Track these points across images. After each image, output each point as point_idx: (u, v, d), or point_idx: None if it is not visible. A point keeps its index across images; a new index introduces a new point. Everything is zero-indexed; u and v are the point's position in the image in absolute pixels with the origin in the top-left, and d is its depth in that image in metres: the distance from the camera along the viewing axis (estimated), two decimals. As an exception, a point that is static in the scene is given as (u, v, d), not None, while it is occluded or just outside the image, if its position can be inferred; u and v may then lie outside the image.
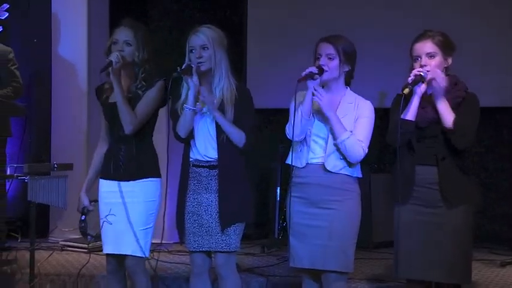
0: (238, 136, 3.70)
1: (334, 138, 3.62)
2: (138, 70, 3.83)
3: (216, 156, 3.74)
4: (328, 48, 3.67)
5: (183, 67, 3.67)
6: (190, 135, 3.78)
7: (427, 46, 3.62)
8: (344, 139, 3.60)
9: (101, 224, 3.86)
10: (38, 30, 6.54)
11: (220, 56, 3.73)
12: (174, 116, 3.79)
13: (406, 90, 3.54)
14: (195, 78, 3.68)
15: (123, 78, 3.83)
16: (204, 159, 3.77)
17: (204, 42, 3.71)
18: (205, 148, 3.76)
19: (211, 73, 3.74)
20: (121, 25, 3.83)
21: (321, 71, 3.62)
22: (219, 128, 3.72)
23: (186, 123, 3.73)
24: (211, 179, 3.76)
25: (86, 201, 3.95)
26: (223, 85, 3.73)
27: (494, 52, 6.19)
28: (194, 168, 3.79)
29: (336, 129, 3.62)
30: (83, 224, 4.01)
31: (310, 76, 3.58)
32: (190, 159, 3.80)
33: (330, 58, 3.67)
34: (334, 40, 3.69)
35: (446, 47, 3.64)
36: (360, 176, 3.75)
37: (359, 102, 3.72)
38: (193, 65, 3.68)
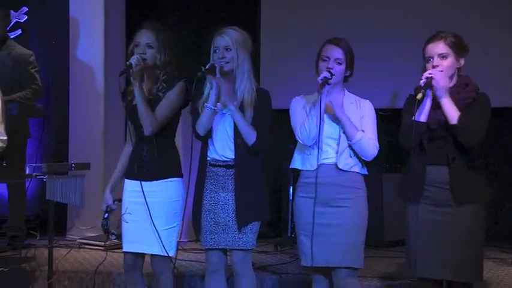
0: (249, 133, 3.70)
1: (349, 139, 3.66)
2: (159, 73, 3.83)
3: (233, 157, 3.75)
4: (337, 53, 3.70)
5: (207, 67, 3.68)
6: (209, 134, 3.78)
7: (439, 47, 3.60)
8: (359, 139, 3.64)
9: (122, 223, 3.89)
10: (56, 32, 6.58)
11: (243, 58, 3.73)
12: (195, 114, 3.80)
13: (420, 96, 3.54)
14: (218, 77, 3.69)
15: (145, 81, 3.85)
16: (221, 159, 3.78)
17: (228, 43, 3.71)
18: (222, 148, 3.77)
19: (233, 74, 3.74)
20: (143, 28, 3.83)
21: (332, 74, 3.65)
22: (237, 129, 3.72)
23: (206, 122, 3.74)
24: (227, 178, 3.77)
25: (110, 200, 3.97)
26: (244, 87, 3.74)
27: (496, 53, 6.09)
28: (211, 167, 3.80)
29: (349, 130, 3.66)
30: (105, 222, 4.02)
31: (326, 81, 3.61)
32: (208, 159, 3.81)
33: (339, 63, 3.70)
34: (341, 44, 3.73)
35: (459, 48, 3.62)
36: (367, 173, 3.79)
37: (360, 101, 3.78)
38: (216, 65, 3.68)
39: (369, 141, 3.68)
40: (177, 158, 3.90)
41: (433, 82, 3.53)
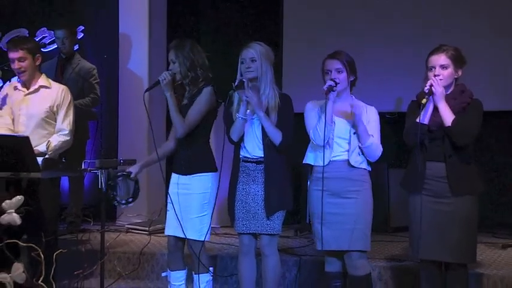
0: (276, 135, 3.73)
1: (362, 143, 3.66)
2: (185, 80, 3.88)
3: (262, 155, 3.78)
4: (336, 64, 3.72)
5: (236, 83, 3.71)
6: (241, 138, 3.82)
7: (441, 59, 3.59)
8: (370, 144, 3.66)
9: (167, 210, 3.93)
10: (108, 47, 6.61)
11: (266, 68, 3.76)
12: (227, 121, 3.84)
13: (424, 100, 3.54)
14: (247, 91, 3.71)
15: (180, 91, 3.91)
16: (251, 157, 3.81)
17: (253, 55, 3.75)
18: (252, 148, 3.81)
19: (258, 82, 3.76)
20: (169, 47, 3.92)
21: (336, 83, 3.66)
22: (264, 131, 3.75)
23: (238, 130, 3.78)
24: (258, 173, 3.80)
25: (134, 169, 3.99)
26: (268, 93, 3.76)
27: (495, 53, 5.89)
28: (243, 163, 3.83)
29: (364, 136, 3.66)
30: (115, 180, 3.90)
31: (331, 89, 3.61)
32: (241, 156, 3.85)
33: (339, 71, 3.71)
34: (339, 56, 3.74)
35: (458, 60, 3.62)
36: (370, 169, 3.80)
37: (366, 108, 3.78)
38: (244, 80, 3.70)
39: (377, 146, 3.69)
40: (207, 155, 3.92)
41: (432, 89, 3.52)
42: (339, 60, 3.72)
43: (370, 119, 3.74)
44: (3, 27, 6.85)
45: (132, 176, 3.98)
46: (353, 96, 3.82)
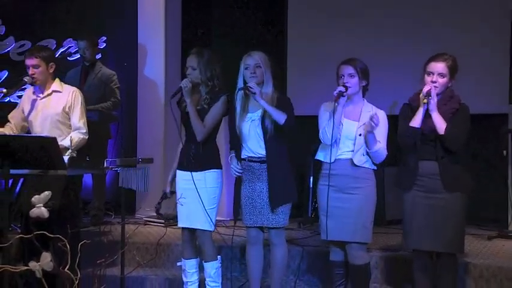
0: (280, 115, 3.70)
1: (369, 148, 3.63)
2: (203, 88, 3.88)
3: (264, 153, 3.78)
4: (348, 69, 3.70)
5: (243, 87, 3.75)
6: (241, 139, 3.84)
7: (440, 67, 3.57)
8: (377, 149, 3.64)
9: (177, 205, 3.95)
10: (128, 55, 6.63)
11: (269, 74, 3.79)
12: (232, 130, 3.88)
13: (425, 100, 3.52)
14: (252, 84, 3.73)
15: (194, 95, 3.90)
16: (256, 156, 3.82)
17: (257, 61, 3.77)
18: (255, 148, 3.82)
19: (263, 87, 3.78)
20: (190, 54, 3.91)
21: (346, 88, 3.64)
22: (266, 131, 3.75)
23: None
24: (262, 171, 3.81)
25: (168, 189, 4.07)
26: (268, 94, 3.77)
27: (485, 57, 5.80)
28: (249, 162, 3.84)
29: (372, 142, 3.63)
30: (158, 206, 4.11)
31: (341, 94, 3.59)
32: (245, 156, 3.85)
33: (352, 76, 3.68)
34: (352, 62, 3.72)
35: (454, 71, 3.61)
36: (376, 168, 3.77)
37: (376, 111, 3.72)
38: (254, 90, 3.69)
39: (383, 151, 3.67)
40: (216, 153, 3.95)
41: (431, 92, 3.52)
42: (352, 65, 3.71)
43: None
44: (33, 37, 6.89)
45: (169, 195, 4.10)
46: (365, 100, 3.80)
